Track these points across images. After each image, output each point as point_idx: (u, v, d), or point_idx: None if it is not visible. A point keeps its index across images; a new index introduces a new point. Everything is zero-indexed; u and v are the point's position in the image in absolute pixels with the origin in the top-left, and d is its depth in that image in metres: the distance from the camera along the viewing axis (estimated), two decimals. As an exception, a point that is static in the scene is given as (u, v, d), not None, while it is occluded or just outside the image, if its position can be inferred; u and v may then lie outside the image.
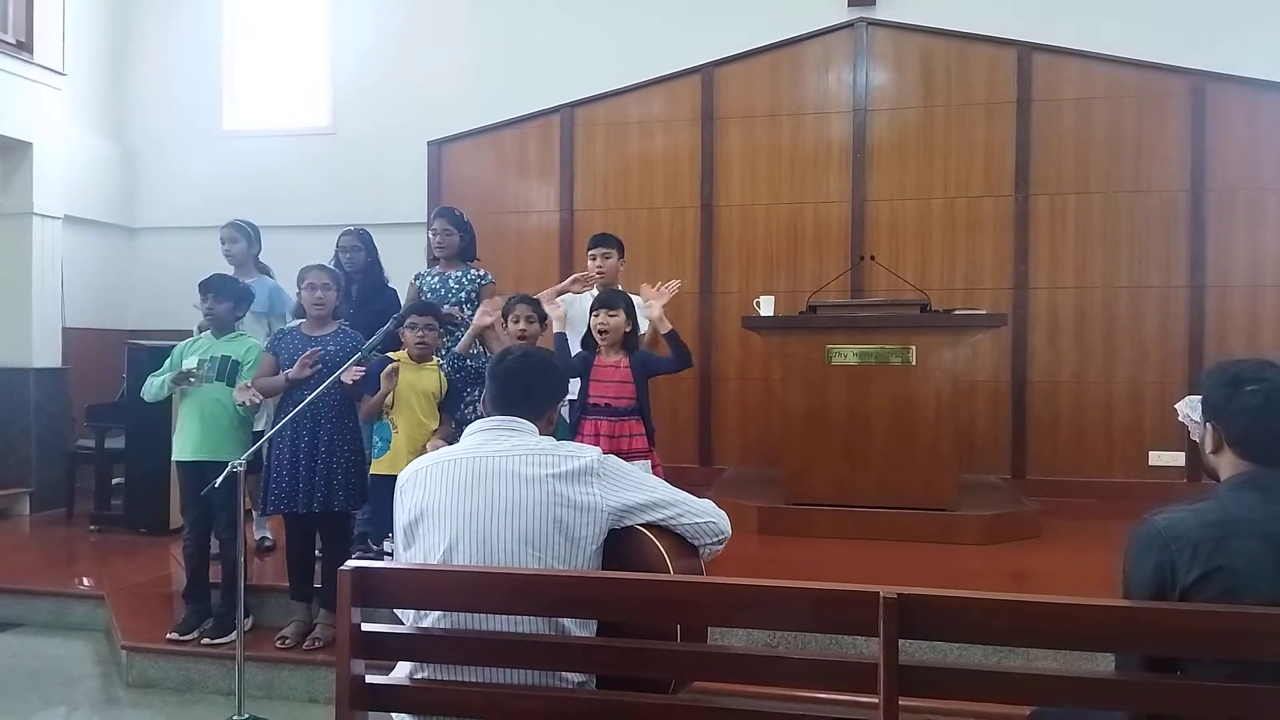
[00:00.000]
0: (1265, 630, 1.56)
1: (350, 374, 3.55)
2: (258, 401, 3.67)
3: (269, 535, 4.80)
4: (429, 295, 4.33)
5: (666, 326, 3.76)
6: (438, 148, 6.83)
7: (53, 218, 6.39)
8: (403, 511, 2.05)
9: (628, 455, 3.34)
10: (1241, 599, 1.63)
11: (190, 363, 3.81)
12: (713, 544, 2.07)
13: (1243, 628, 1.56)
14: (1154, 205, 5.86)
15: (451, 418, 3.89)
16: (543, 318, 3.91)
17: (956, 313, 4.87)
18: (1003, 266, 6.05)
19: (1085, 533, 4.76)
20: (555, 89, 6.61)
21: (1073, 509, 5.36)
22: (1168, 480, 5.72)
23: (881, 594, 1.60)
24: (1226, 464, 1.83)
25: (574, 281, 4.34)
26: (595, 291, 4.17)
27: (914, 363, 4.59)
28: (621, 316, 3.72)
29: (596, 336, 3.75)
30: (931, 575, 3.90)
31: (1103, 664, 2.74)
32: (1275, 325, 5.71)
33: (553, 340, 3.88)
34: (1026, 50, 6.00)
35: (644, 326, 3.98)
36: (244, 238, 4.78)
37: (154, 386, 3.85)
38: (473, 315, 4.16)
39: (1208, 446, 1.86)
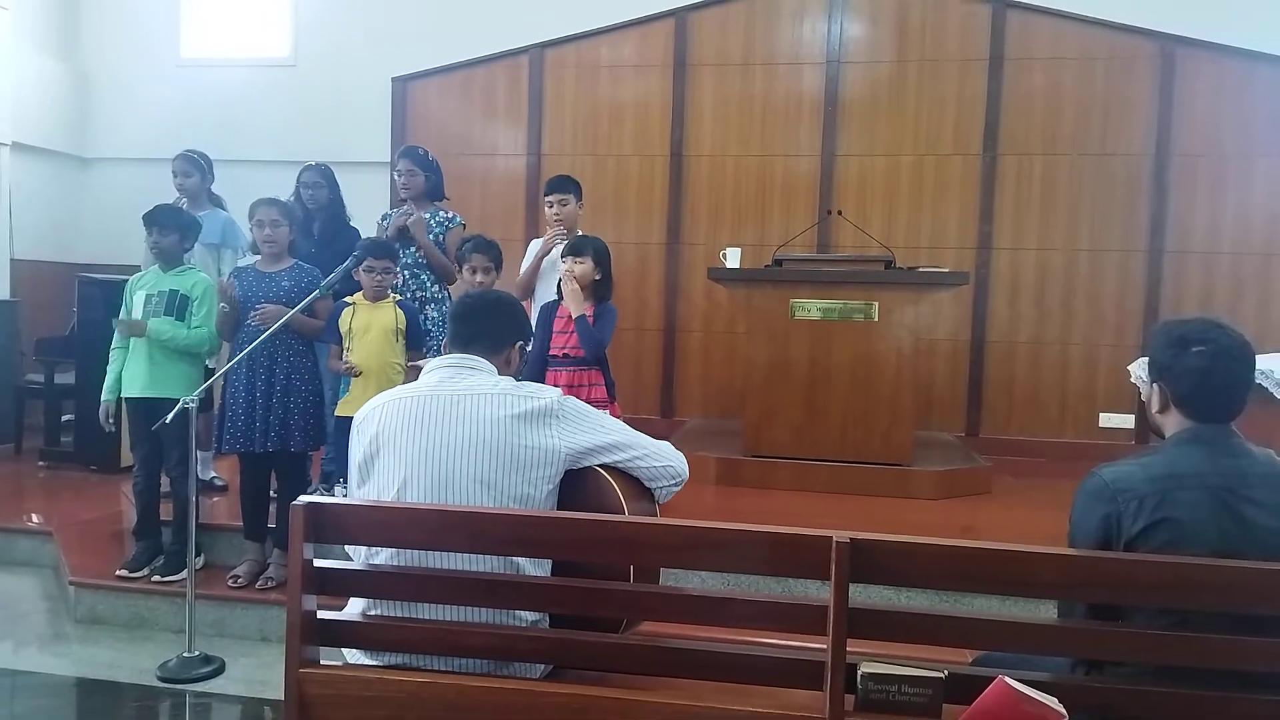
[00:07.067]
0: (1206, 580, 1.60)
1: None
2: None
3: (217, 475, 4.75)
4: None
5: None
6: (402, 85, 6.65)
7: (-1, 144, 6.17)
8: (359, 447, 2.02)
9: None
10: (1185, 550, 1.67)
11: (138, 299, 3.74)
12: (670, 485, 2.08)
13: (1184, 578, 1.60)
14: (1118, 169, 5.90)
15: (420, 352, 3.84)
16: (499, 265, 3.85)
17: (920, 270, 4.89)
18: (968, 226, 6.07)
19: (1034, 490, 4.86)
20: (525, 28, 6.44)
21: (1023, 467, 5.46)
22: (1117, 442, 5.83)
23: (834, 538, 1.62)
24: (1172, 422, 1.85)
25: (548, 241, 4.22)
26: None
27: (876, 319, 4.60)
28: (589, 264, 3.63)
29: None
30: (883, 526, 3.89)
31: (1046, 613, 2.81)
32: (1229, 292, 5.81)
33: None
34: (1001, 7, 5.96)
35: None
36: (197, 170, 4.65)
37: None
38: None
39: (1154, 405, 1.88)
